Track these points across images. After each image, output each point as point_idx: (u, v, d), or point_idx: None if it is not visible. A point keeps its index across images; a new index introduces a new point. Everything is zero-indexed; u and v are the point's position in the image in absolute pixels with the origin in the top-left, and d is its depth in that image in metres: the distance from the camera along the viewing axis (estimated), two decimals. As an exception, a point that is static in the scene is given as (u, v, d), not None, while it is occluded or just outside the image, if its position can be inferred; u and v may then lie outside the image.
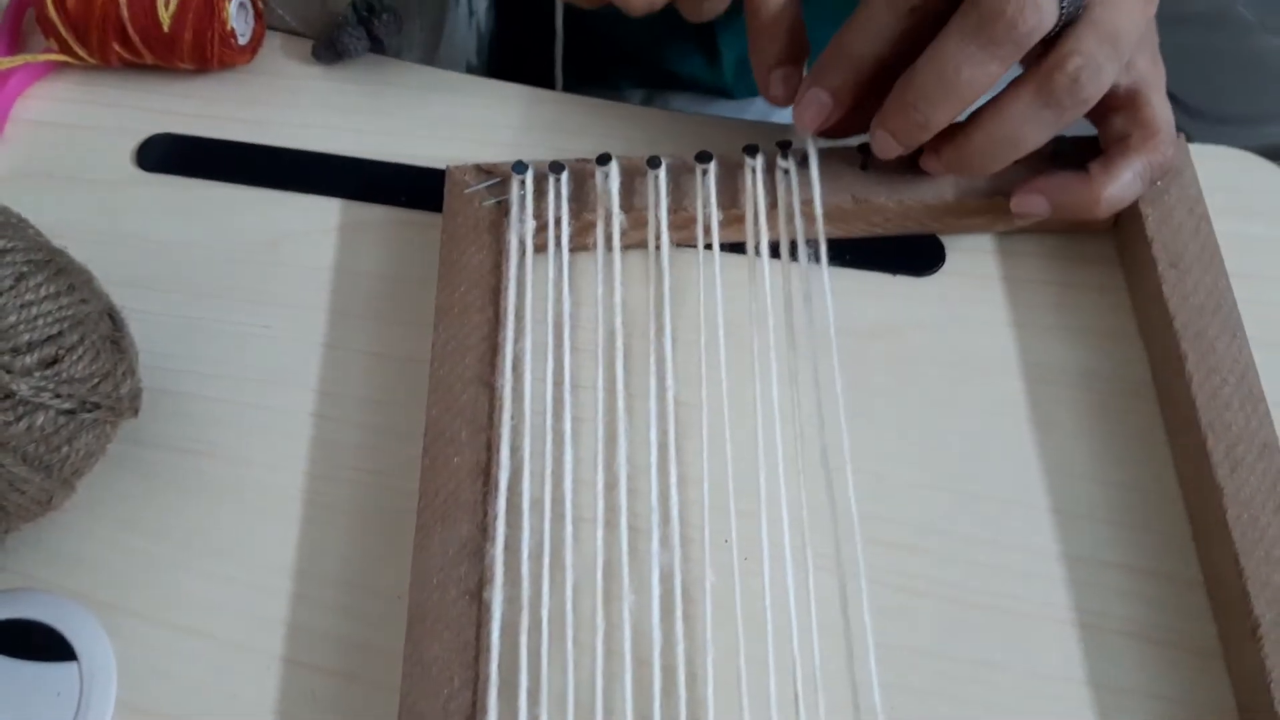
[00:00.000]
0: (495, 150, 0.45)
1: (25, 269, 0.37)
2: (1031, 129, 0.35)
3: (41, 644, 0.37)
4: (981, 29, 0.33)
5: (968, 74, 0.34)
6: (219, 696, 0.36)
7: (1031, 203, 0.38)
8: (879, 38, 0.36)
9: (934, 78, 0.34)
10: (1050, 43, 0.34)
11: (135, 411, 0.39)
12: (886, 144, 0.37)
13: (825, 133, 0.40)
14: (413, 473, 0.37)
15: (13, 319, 0.36)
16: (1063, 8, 0.33)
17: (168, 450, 0.40)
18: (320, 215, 0.45)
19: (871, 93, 0.37)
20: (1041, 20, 0.33)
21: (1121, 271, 0.41)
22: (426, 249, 0.43)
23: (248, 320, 0.43)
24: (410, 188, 0.45)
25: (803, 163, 0.40)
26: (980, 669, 0.35)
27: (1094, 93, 0.34)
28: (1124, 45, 0.34)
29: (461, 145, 0.46)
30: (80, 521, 0.39)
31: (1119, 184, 0.37)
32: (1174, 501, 0.37)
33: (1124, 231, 0.40)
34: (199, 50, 0.48)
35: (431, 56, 0.53)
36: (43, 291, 0.37)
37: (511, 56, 0.62)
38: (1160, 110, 0.37)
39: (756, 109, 0.64)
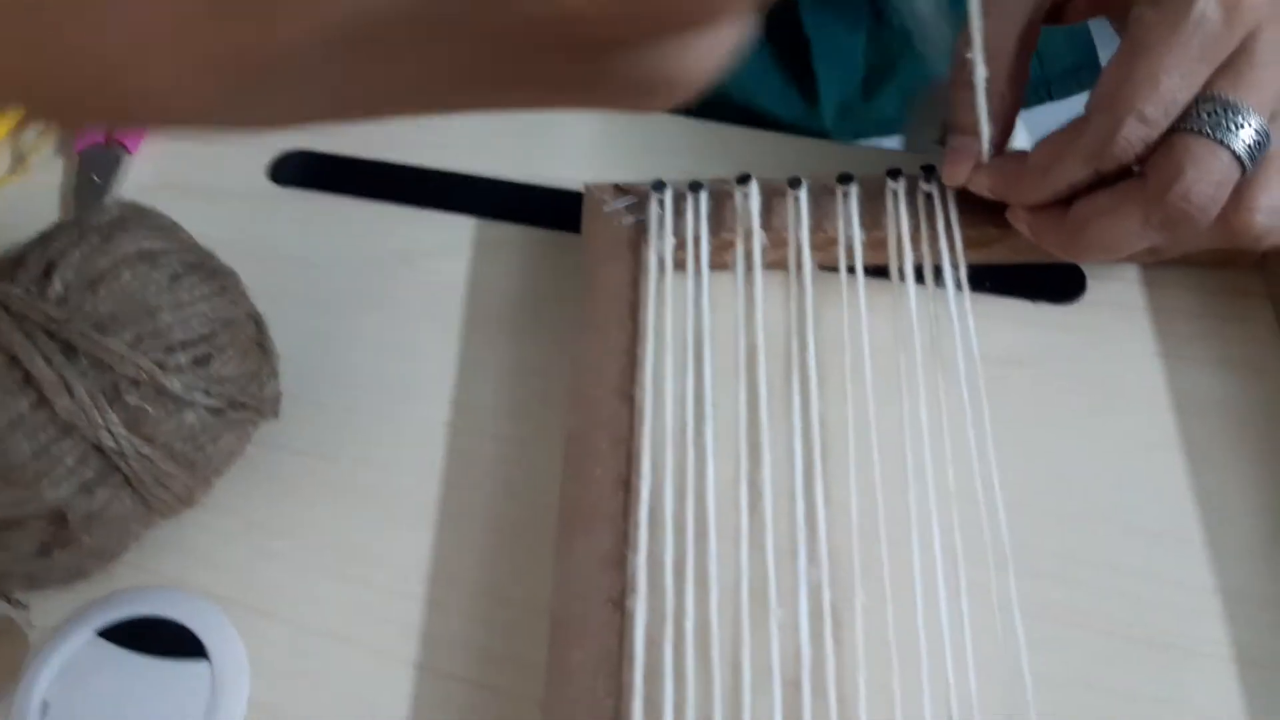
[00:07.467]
0: (616, 171, 0.46)
1: (180, 270, 0.38)
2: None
3: (174, 642, 0.37)
4: (1165, 224, 0.33)
5: (1137, 244, 0.35)
6: (353, 702, 0.36)
7: None
8: (1078, 179, 0.36)
9: (1102, 242, 0.35)
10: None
11: (276, 413, 0.39)
12: (1031, 238, 0.38)
13: None
14: (545, 484, 0.37)
15: (168, 318, 0.36)
16: (1244, 170, 0.33)
17: (302, 455, 0.41)
18: (453, 232, 0.46)
19: None
20: (1221, 202, 0.33)
21: (1270, 304, 0.40)
22: (558, 266, 0.43)
23: (381, 332, 0.43)
24: (536, 207, 0.46)
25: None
26: (1136, 703, 0.33)
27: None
28: None
29: (584, 166, 0.47)
30: (215, 521, 0.39)
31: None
32: (1334, 539, 0.36)
33: (1272, 265, 0.40)
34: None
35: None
36: (196, 292, 0.38)
37: None
38: None
39: (859, 150, 0.64)
